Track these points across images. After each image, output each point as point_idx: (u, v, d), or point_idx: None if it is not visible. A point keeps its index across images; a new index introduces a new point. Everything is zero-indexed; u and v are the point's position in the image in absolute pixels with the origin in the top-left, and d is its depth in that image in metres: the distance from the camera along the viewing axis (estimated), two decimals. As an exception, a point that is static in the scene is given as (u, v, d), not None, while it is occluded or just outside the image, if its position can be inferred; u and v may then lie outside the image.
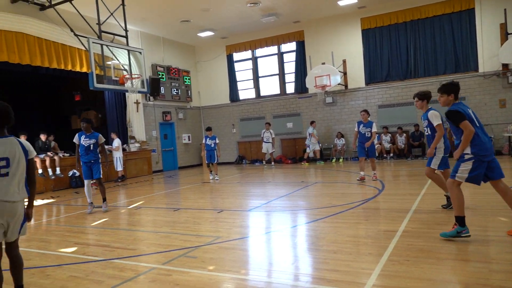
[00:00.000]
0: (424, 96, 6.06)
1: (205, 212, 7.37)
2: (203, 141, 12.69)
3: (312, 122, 16.24)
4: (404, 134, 15.27)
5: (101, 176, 8.04)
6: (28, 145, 3.34)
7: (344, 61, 16.56)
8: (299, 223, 6.28)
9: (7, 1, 11.73)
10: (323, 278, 3.68)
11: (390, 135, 15.50)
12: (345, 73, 16.55)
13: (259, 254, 4.80)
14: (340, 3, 14.97)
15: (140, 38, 16.67)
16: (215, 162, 12.51)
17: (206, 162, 12.89)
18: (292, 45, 17.99)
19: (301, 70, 17.60)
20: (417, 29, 15.43)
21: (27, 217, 3.40)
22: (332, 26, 16.78)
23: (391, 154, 15.41)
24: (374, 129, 9.70)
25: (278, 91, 18.63)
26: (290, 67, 18.29)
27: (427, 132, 6.02)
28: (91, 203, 8.06)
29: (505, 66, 13.95)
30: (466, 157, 4.40)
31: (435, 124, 5.75)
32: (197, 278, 3.87)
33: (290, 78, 18.32)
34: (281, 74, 18.53)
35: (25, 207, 3.38)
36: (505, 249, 4.10)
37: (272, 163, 16.73)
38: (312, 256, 4.43)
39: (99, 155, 8.07)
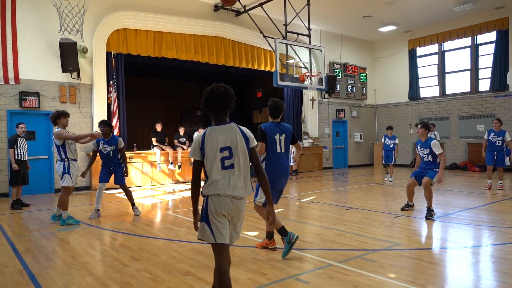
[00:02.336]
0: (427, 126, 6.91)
1: (380, 215, 7.00)
2: (382, 140, 12.24)
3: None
4: None
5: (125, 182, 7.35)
6: (248, 132, 2.91)
7: None
8: (497, 242, 5.32)
9: (210, 9, 13.49)
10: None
11: None
12: None
13: (450, 269, 4.23)
14: None
15: (320, 36, 16.99)
16: (392, 163, 11.96)
17: (383, 162, 12.37)
18: (492, 36, 15.54)
19: (500, 64, 15.05)
20: None
21: (271, 216, 3.07)
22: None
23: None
24: (509, 138, 9.80)
25: (468, 89, 16.41)
26: (486, 61, 15.86)
27: (427, 158, 6.80)
28: (98, 209, 7.20)
29: None
30: None
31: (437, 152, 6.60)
32: (377, 284, 3.65)
33: (485, 73, 15.90)
34: (474, 69, 16.24)
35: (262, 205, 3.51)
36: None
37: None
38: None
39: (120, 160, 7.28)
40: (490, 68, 15.52)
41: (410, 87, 18.11)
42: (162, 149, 12.19)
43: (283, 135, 4.67)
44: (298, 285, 3.70)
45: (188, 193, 9.80)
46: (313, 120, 17.00)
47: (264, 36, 12.60)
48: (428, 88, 17.78)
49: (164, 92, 19.76)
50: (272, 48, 12.27)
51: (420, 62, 17.98)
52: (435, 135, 12.15)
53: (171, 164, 12.21)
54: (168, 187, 11.76)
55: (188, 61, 13.27)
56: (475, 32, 15.79)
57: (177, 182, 12.53)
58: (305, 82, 12.38)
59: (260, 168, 2.96)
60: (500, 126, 9.93)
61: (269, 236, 4.80)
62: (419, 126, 6.92)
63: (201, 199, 2.88)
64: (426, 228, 6.10)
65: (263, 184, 2.99)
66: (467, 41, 16.36)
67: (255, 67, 14.86)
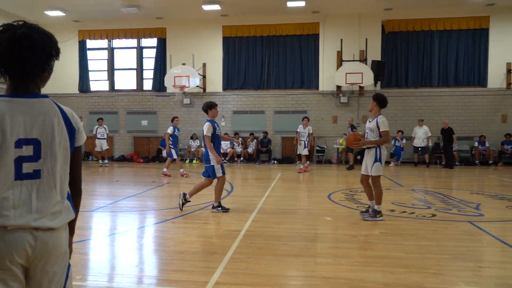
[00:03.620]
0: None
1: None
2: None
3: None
4: (255, 140, 16.31)
5: None
6: (75, 117, 1.76)
7: (204, 65, 16.85)
8: (147, 224, 6.09)
9: None
10: (167, 279, 3.64)
11: (241, 139, 16.36)
12: (204, 76, 16.84)
13: (101, 257, 4.47)
14: (204, 8, 15.19)
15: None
16: None
17: None
18: (153, 41, 17.48)
19: (160, 68, 17.22)
20: (272, 44, 16.72)
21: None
22: (195, 28, 16.90)
23: (242, 158, 16.27)
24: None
25: (134, 87, 17.83)
26: (149, 63, 17.72)
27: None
28: None
29: (338, 87, 16.18)
30: None
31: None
32: None
33: (148, 74, 17.73)
34: (139, 69, 17.80)
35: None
36: (329, 245, 4.72)
37: (106, 160, 15.45)
38: (158, 257, 4.35)
39: None
40: (152, 70, 17.46)
41: (80, 78, 17.81)
42: None
43: None
44: None
45: None
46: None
47: None
48: (99, 82, 18.05)
49: None
50: None
51: (90, 55, 17.96)
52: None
53: None
54: None
55: None
56: (140, 35, 17.32)
57: None
58: None
59: (79, 184, 1.82)
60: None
61: None
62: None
63: None
64: (85, 220, 6.18)
65: (76, 206, 1.80)
66: (133, 42, 17.70)
67: None
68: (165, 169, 11.49)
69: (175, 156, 11.34)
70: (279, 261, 4.11)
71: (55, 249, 1.59)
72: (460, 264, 4.03)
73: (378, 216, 5.89)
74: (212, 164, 6.37)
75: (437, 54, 16.03)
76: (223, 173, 6.43)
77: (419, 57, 16.18)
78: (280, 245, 4.66)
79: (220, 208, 6.50)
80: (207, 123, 6.44)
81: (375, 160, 5.88)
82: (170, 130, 11.31)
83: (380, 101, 6.06)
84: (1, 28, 1.57)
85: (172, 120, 11.57)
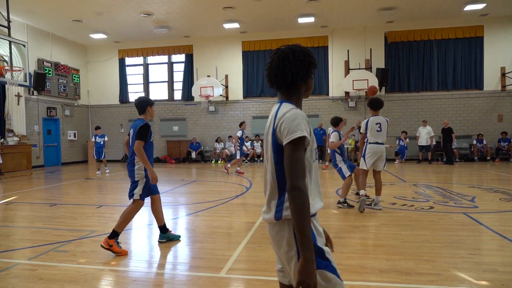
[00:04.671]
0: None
1: (83, 208, 6.75)
2: (92, 139, 12.06)
3: None
4: (272, 142, 16.25)
5: None
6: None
7: (226, 76, 16.98)
8: (176, 216, 6.18)
9: None
10: (187, 265, 3.69)
11: (261, 141, 16.37)
12: (226, 86, 16.96)
13: (135, 246, 4.57)
14: (225, 26, 15.33)
15: (27, 30, 14.54)
16: (103, 158, 12.30)
17: (95, 157, 12.21)
18: (182, 57, 17.74)
19: (188, 80, 17.46)
20: (286, 56, 16.63)
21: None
22: (217, 44, 17.07)
23: (261, 158, 16.29)
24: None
25: (166, 97, 18.13)
26: (178, 76, 17.99)
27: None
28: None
29: (347, 93, 15.98)
30: None
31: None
32: (64, 272, 3.51)
33: (178, 86, 18.01)
34: (170, 82, 18.10)
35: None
36: (333, 235, 4.68)
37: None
38: (181, 246, 4.41)
39: None
40: (181, 82, 17.72)
41: (121, 91, 18.26)
42: None
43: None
44: (-27, 294, 3.09)
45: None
46: (19, 117, 14.39)
47: None
48: (136, 94, 18.45)
49: None
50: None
51: (129, 70, 18.39)
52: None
53: None
54: None
55: None
56: (170, 52, 17.62)
57: None
58: (5, 77, 10.31)
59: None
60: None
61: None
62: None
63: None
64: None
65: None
66: (165, 58, 18.00)
67: None
68: (238, 168, 11.74)
69: (238, 157, 11.60)
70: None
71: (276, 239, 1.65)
72: (452, 251, 3.92)
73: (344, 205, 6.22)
74: None
75: (436, 61, 15.62)
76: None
77: (419, 64, 15.80)
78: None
79: (345, 204, 6.20)
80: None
81: (361, 156, 6.18)
82: (239, 133, 11.46)
83: (369, 105, 6.11)
84: (273, 51, 1.72)
85: (241, 125, 11.68)
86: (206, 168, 14.44)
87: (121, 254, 3.97)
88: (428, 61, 15.71)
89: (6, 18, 10.47)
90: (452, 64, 15.50)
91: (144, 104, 4.35)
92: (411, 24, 15.50)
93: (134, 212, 4.18)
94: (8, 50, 10.61)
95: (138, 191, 4.14)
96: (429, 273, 3.35)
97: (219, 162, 16.30)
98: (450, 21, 15.17)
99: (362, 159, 6.11)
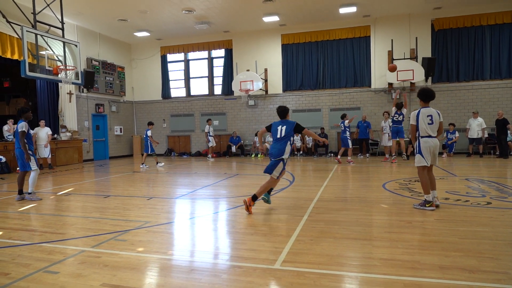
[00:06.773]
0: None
1: (135, 199, 7.07)
2: (149, 133, 12.86)
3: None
4: (312, 135, 16.08)
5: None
6: None
7: (266, 70, 16.96)
8: (221, 209, 6.30)
9: None
10: (241, 256, 3.75)
11: (300, 135, 16.24)
12: (266, 80, 16.96)
13: (185, 237, 4.73)
14: (265, 19, 15.29)
15: (77, 31, 15.37)
16: (150, 152, 12.93)
17: (152, 152, 12.99)
18: (221, 52, 17.94)
19: (228, 75, 17.64)
20: (326, 48, 16.36)
21: None
22: (257, 38, 17.07)
23: (301, 152, 16.18)
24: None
25: (206, 92, 18.45)
26: (218, 71, 18.23)
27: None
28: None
29: (390, 84, 15.42)
30: None
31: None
32: (126, 259, 3.71)
33: (218, 81, 18.26)
34: (210, 77, 18.39)
35: None
36: (385, 230, 4.56)
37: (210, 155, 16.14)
38: (232, 238, 4.49)
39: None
40: (221, 77, 17.94)
41: (163, 87, 18.83)
42: None
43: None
44: (47, 277, 3.33)
45: None
46: (71, 114, 15.29)
47: (8, 22, 10.38)
48: (178, 89, 18.95)
49: None
50: (18, 35, 10.25)
51: (170, 66, 18.90)
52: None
53: None
54: None
55: None
56: (210, 47, 17.88)
57: None
58: (60, 75, 10.96)
59: None
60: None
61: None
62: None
63: None
64: (171, 206, 6.57)
65: None
66: (205, 53, 18.31)
67: (-1, 54, 12.07)
68: (349, 158, 12.78)
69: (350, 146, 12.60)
70: (338, 243, 4.06)
71: None
72: (518, 250, 3.69)
73: (427, 205, 5.51)
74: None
75: (489, 48, 14.64)
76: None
77: (470, 51, 14.89)
78: (339, 229, 4.60)
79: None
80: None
81: (416, 152, 5.68)
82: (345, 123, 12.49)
83: (419, 95, 5.73)
84: None
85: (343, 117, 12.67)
86: (246, 161, 14.58)
87: (250, 213, 5.54)
88: (479, 48, 14.77)
89: (60, 20, 11.09)
90: (507, 50, 14.46)
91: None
92: (460, 10, 14.62)
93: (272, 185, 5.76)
94: (62, 51, 11.25)
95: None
96: (494, 271, 3.17)
97: (259, 156, 16.39)
98: (503, 5, 14.12)
99: (418, 155, 5.59)
